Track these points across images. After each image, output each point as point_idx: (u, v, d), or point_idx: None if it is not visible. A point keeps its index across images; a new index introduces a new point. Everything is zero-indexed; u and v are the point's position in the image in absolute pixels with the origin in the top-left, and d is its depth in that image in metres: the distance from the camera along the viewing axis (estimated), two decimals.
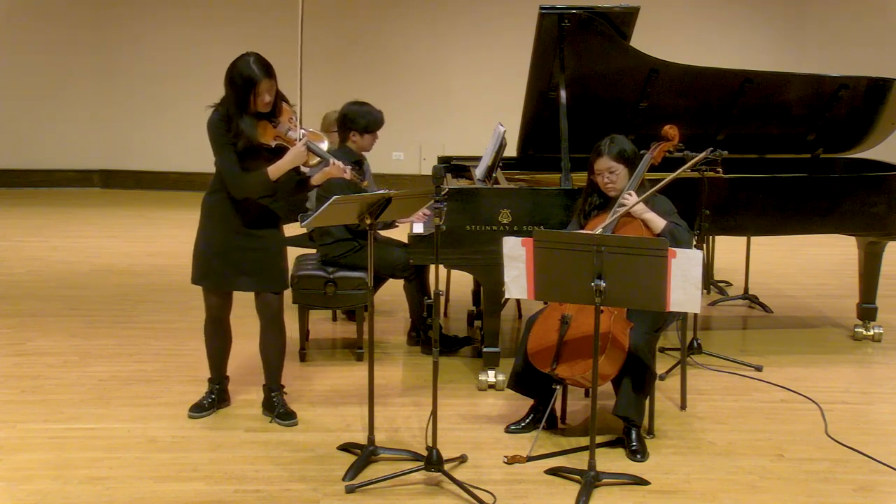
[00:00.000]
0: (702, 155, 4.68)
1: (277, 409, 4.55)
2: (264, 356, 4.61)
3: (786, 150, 6.14)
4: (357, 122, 5.35)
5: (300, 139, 4.33)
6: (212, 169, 4.43)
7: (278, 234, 4.53)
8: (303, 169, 4.46)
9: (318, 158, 4.36)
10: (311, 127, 4.53)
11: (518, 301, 6.29)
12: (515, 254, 3.93)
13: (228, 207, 4.39)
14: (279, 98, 4.36)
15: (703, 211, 5.14)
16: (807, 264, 7.94)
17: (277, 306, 4.54)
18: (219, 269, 4.44)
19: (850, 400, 4.95)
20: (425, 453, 3.93)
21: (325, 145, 4.42)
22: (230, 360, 4.74)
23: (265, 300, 4.50)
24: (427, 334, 5.54)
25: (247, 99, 4.24)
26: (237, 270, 4.43)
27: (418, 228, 5.22)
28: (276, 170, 4.31)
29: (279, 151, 4.33)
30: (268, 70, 4.25)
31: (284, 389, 4.67)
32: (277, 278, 4.51)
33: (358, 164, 5.39)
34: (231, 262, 4.42)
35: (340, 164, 4.41)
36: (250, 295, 4.53)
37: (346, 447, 4.24)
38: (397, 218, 5.00)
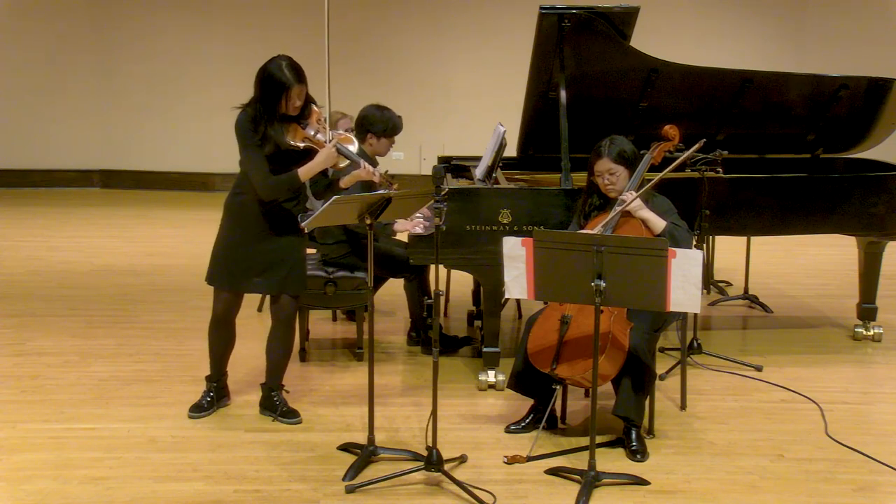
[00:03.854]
0: (694, 147, 4.62)
1: (280, 408, 4.55)
2: (270, 355, 4.60)
3: (786, 149, 6.13)
4: (375, 125, 5.37)
5: (329, 141, 4.31)
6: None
7: (300, 239, 4.51)
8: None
9: (348, 161, 4.35)
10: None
11: (518, 301, 6.29)
12: (515, 254, 3.93)
13: (253, 211, 4.36)
14: (308, 100, 4.33)
15: (703, 211, 5.14)
16: (807, 264, 7.94)
17: (293, 309, 4.52)
18: (236, 272, 4.42)
19: (850, 400, 4.95)
20: (425, 453, 3.93)
21: (354, 148, 4.40)
22: (232, 360, 4.73)
23: (282, 302, 4.48)
24: (427, 334, 5.54)
25: (277, 103, 4.22)
26: (256, 273, 4.41)
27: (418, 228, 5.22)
28: (306, 171, 4.30)
29: (307, 154, 4.31)
30: (300, 75, 4.22)
31: (285, 388, 4.67)
32: (298, 282, 4.50)
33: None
34: (251, 264, 4.40)
35: (370, 167, 4.40)
36: (254, 295, 4.52)
37: (346, 447, 4.24)
38: (397, 218, 5.00)
